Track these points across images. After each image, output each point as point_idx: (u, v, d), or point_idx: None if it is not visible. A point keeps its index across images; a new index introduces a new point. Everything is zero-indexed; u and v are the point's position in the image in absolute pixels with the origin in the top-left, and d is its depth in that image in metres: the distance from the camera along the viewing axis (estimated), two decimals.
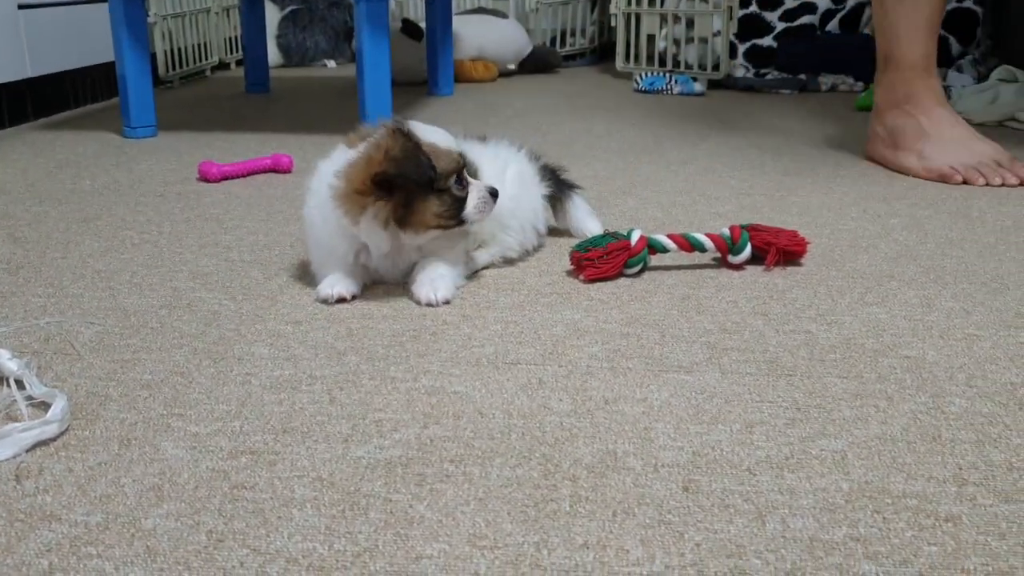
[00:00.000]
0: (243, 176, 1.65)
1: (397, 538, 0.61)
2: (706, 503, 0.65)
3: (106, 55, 2.44)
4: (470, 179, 1.04)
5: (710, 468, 0.69)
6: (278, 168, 1.68)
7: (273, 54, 3.27)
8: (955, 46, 2.60)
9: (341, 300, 1.02)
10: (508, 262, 1.16)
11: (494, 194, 1.05)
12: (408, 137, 1.00)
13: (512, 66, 3.10)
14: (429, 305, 1.01)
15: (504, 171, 1.15)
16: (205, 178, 1.61)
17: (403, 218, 0.99)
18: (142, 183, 1.60)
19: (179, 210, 1.43)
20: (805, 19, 2.78)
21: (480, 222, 1.06)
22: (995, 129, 1.97)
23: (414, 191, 0.98)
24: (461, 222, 1.03)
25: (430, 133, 1.03)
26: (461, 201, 1.02)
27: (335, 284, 1.03)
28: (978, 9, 2.62)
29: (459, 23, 2.91)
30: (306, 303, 1.03)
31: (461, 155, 1.03)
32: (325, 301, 1.02)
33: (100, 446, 0.73)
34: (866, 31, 2.75)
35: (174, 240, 1.27)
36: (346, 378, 0.84)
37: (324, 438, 0.73)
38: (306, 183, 1.07)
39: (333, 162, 1.03)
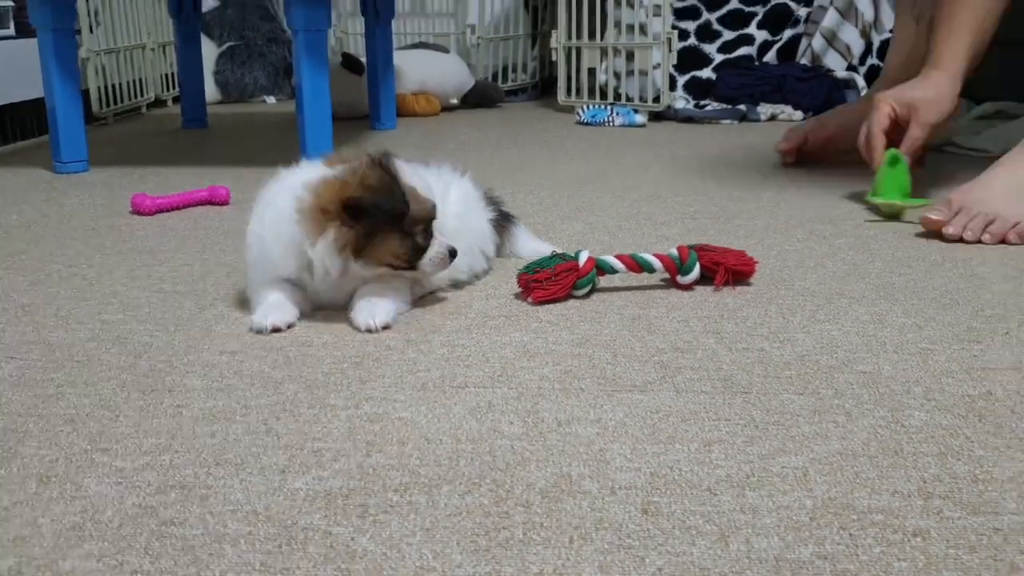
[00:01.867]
0: (178, 209, 1.59)
1: (338, 573, 0.56)
2: (667, 525, 0.61)
3: (36, 90, 2.37)
4: (436, 233, 1.03)
5: (669, 489, 0.66)
6: (215, 200, 1.63)
7: (211, 90, 3.21)
8: None
9: (276, 330, 0.98)
10: (456, 285, 1.13)
11: (453, 254, 1.04)
12: (389, 171, 0.99)
13: (454, 100, 3.08)
14: (368, 330, 0.97)
15: (447, 192, 1.12)
16: (138, 211, 1.56)
17: (360, 248, 0.97)
18: (72, 217, 1.54)
19: (110, 243, 1.37)
20: (743, 51, 2.82)
21: (430, 276, 1.05)
22: (935, 154, 1.99)
23: (381, 225, 0.97)
24: (413, 268, 1.01)
25: (412, 176, 1.02)
26: (421, 250, 1.01)
27: (269, 314, 0.98)
28: None
29: (401, 58, 2.90)
30: (242, 332, 0.98)
31: (434, 207, 1.02)
32: (260, 331, 0.98)
33: (16, 485, 0.67)
34: (803, 61, 2.80)
35: (104, 273, 1.21)
36: (283, 407, 0.80)
37: (259, 470, 0.69)
38: (259, 195, 1.03)
39: (299, 176, 1.00)
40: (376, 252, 0.98)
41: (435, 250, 1.02)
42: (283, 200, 0.98)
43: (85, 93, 2.56)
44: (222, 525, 0.62)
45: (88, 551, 0.59)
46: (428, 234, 1.02)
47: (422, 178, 1.04)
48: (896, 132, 1.56)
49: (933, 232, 1.35)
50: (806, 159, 1.94)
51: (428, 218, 1.02)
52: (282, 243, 0.98)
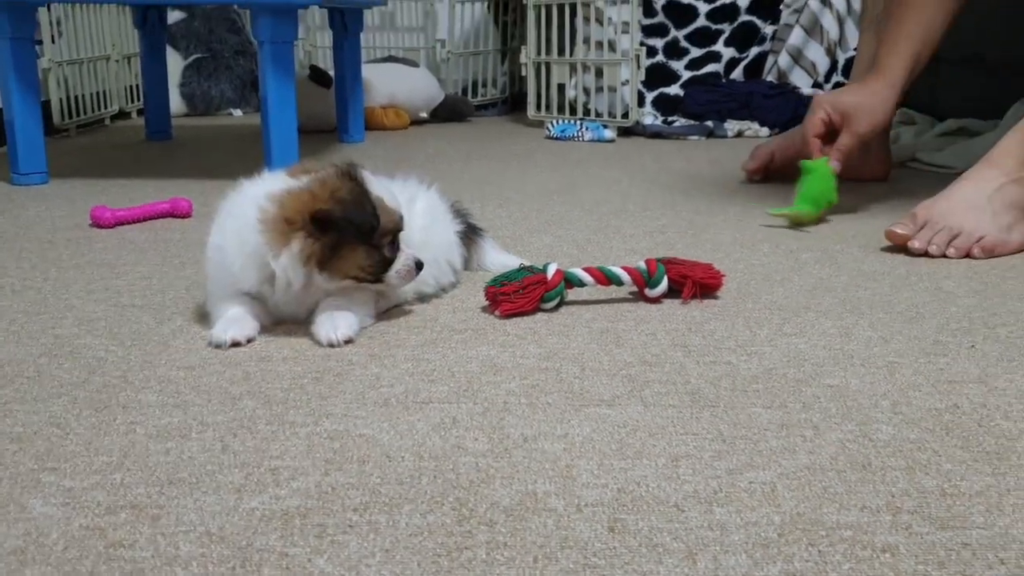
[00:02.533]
0: (139, 221, 1.56)
1: None
2: (633, 543, 0.60)
3: None
4: (403, 245, 1.01)
5: (636, 506, 0.65)
6: (176, 213, 1.60)
7: (176, 103, 3.18)
8: None
9: (235, 344, 0.95)
10: (422, 299, 1.11)
11: (419, 266, 1.02)
12: (358, 183, 0.98)
13: (424, 114, 3.07)
14: (330, 345, 0.95)
15: (412, 203, 1.11)
16: (98, 224, 1.53)
17: (326, 261, 0.95)
18: (29, 230, 1.51)
19: (68, 256, 1.34)
20: (710, 67, 2.83)
21: (397, 288, 1.04)
22: (898, 169, 2.01)
23: (348, 238, 0.95)
24: (379, 281, 1.00)
25: (379, 187, 1.00)
26: (388, 262, 1.00)
27: (228, 328, 0.96)
28: None
29: (370, 71, 2.88)
30: (200, 347, 0.96)
31: (401, 218, 1.01)
32: (219, 346, 0.95)
33: None
34: (769, 78, 2.82)
35: (60, 286, 1.18)
36: (240, 424, 0.78)
37: (214, 489, 0.67)
38: (220, 206, 1.01)
39: (261, 186, 0.98)
40: (342, 265, 0.96)
41: (401, 262, 1.01)
42: (245, 211, 0.96)
43: (46, 104, 2.52)
44: (174, 547, 0.59)
45: None
46: (395, 246, 1.00)
47: (387, 189, 1.02)
48: (833, 137, 1.58)
49: (898, 246, 1.35)
50: (773, 176, 1.94)
51: (395, 229, 1.00)
52: (243, 254, 0.96)
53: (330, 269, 0.96)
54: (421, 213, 1.12)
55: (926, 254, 1.31)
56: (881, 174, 1.90)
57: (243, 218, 0.96)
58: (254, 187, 0.99)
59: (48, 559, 0.58)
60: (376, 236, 0.97)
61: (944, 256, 1.31)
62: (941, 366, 0.91)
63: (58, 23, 2.66)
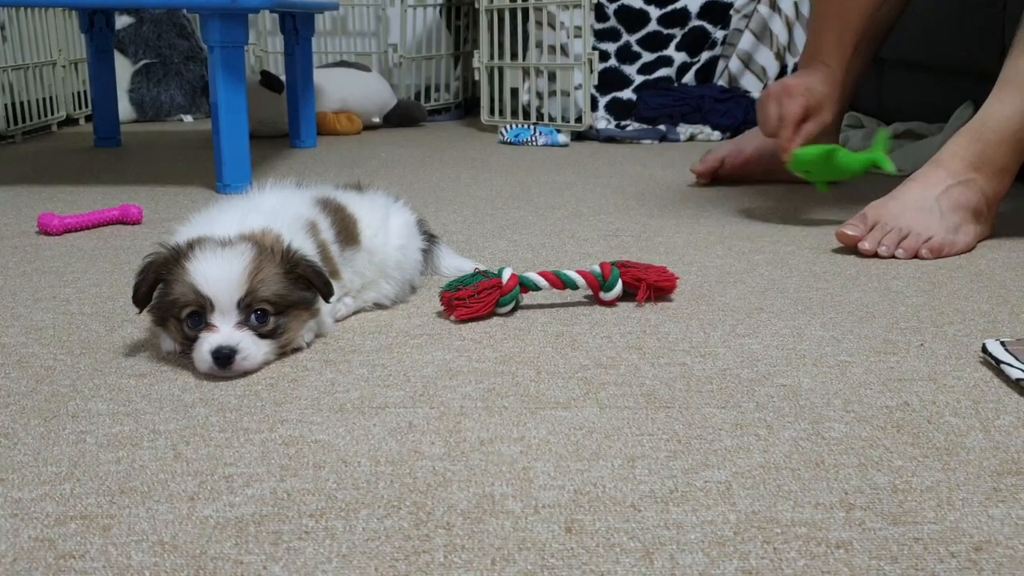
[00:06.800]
0: (88, 228, 1.54)
1: None
2: (590, 543, 0.60)
3: None
4: (219, 327, 0.88)
5: (593, 506, 0.65)
6: (126, 219, 1.57)
7: (125, 109, 3.13)
8: None
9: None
10: (378, 306, 1.11)
11: (223, 358, 0.87)
12: (172, 255, 0.91)
13: (377, 119, 3.06)
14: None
15: (387, 221, 1.11)
16: (45, 231, 1.50)
17: (156, 320, 0.94)
18: None
19: (14, 264, 1.31)
20: (662, 72, 2.85)
21: (199, 369, 0.89)
22: None
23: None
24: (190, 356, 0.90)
25: (203, 263, 0.89)
26: (190, 340, 0.90)
27: None
28: None
29: (322, 76, 2.86)
30: (151, 355, 0.95)
31: (204, 298, 0.88)
32: (169, 353, 0.94)
33: None
34: (720, 83, 2.85)
35: (6, 295, 1.16)
36: (193, 432, 0.77)
37: (167, 497, 0.66)
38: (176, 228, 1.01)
39: (193, 229, 0.96)
40: (165, 330, 0.94)
41: (202, 348, 0.88)
42: None
43: None
44: (125, 557, 0.58)
45: None
46: (196, 323, 0.89)
47: (233, 259, 0.89)
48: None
49: (848, 247, 1.37)
50: (722, 180, 1.96)
51: (187, 306, 0.89)
52: None
53: (163, 330, 0.94)
54: (397, 233, 1.12)
55: (875, 255, 1.34)
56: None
57: None
58: (191, 227, 0.98)
59: None
60: (170, 308, 0.90)
61: (893, 257, 1.33)
62: (891, 364, 0.92)
63: (2, 28, 2.61)
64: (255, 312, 0.90)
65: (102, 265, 1.31)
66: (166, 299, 0.91)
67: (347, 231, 1.05)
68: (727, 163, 1.94)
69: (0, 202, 1.77)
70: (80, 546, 0.60)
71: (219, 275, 0.88)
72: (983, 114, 1.41)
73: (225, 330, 0.88)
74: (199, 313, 0.89)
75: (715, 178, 1.96)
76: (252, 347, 0.89)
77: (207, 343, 0.87)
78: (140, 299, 0.93)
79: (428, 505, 0.65)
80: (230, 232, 0.93)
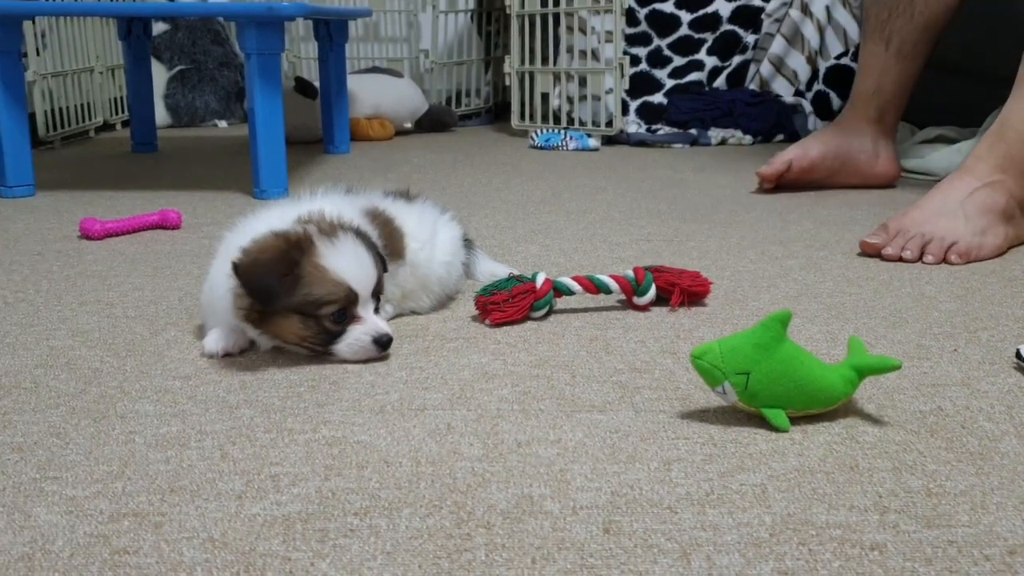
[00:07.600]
0: (128, 233, 1.57)
1: None
2: (628, 544, 0.61)
3: None
4: (364, 316, 0.93)
5: (630, 508, 0.66)
6: (166, 224, 1.60)
7: (161, 114, 3.18)
8: (835, 100, 2.71)
9: (228, 355, 0.96)
10: (414, 312, 1.12)
11: (384, 343, 0.93)
12: (295, 248, 0.91)
13: (408, 125, 3.08)
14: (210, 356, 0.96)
15: (434, 236, 1.13)
16: (87, 236, 1.53)
17: (258, 321, 0.93)
18: (18, 243, 1.51)
19: (58, 268, 1.35)
20: (693, 76, 2.86)
21: (352, 360, 0.94)
22: None
23: (270, 302, 0.92)
24: (326, 352, 0.94)
25: (339, 256, 0.92)
26: (332, 334, 0.93)
27: (221, 339, 0.97)
28: (855, 65, 2.73)
29: (355, 82, 2.89)
30: (195, 357, 0.97)
31: (352, 291, 0.92)
32: (212, 356, 0.96)
33: None
34: (751, 87, 2.85)
35: (52, 298, 1.19)
36: (239, 432, 0.79)
37: (215, 496, 0.68)
38: (223, 235, 1.03)
39: (250, 228, 0.97)
40: (275, 329, 0.94)
41: (355, 337, 0.93)
42: (228, 255, 0.95)
43: (32, 116, 2.52)
44: (178, 553, 0.60)
45: None
46: (343, 318, 0.93)
47: (357, 254, 0.93)
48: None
49: (873, 255, 1.37)
50: (780, 188, 1.91)
51: (336, 302, 0.92)
52: (224, 301, 0.95)
53: (265, 330, 0.94)
54: (444, 249, 1.14)
55: (900, 259, 1.34)
56: (889, 178, 1.92)
57: (223, 262, 0.95)
58: (245, 227, 0.99)
59: (55, 566, 0.59)
60: (308, 306, 0.92)
61: (920, 262, 1.33)
62: (925, 369, 0.93)
63: (42, 36, 2.66)
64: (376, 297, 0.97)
65: (143, 269, 1.34)
66: (307, 298, 0.91)
67: (393, 244, 1.06)
68: (794, 166, 1.88)
69: (42, 207, 1.81)
70: (133, 542, 0.62)
71: (362, 270, 0.93)
72: (1004, 116, 1.41)
73: (371, 319, 0.94)
74: (345, 308, 0.93)
75: (779, 183, 1.90)
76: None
77: (364, 334, 0.93)
78: (273, 299, 0.91)
79: (468, 505, 0.67)
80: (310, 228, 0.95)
